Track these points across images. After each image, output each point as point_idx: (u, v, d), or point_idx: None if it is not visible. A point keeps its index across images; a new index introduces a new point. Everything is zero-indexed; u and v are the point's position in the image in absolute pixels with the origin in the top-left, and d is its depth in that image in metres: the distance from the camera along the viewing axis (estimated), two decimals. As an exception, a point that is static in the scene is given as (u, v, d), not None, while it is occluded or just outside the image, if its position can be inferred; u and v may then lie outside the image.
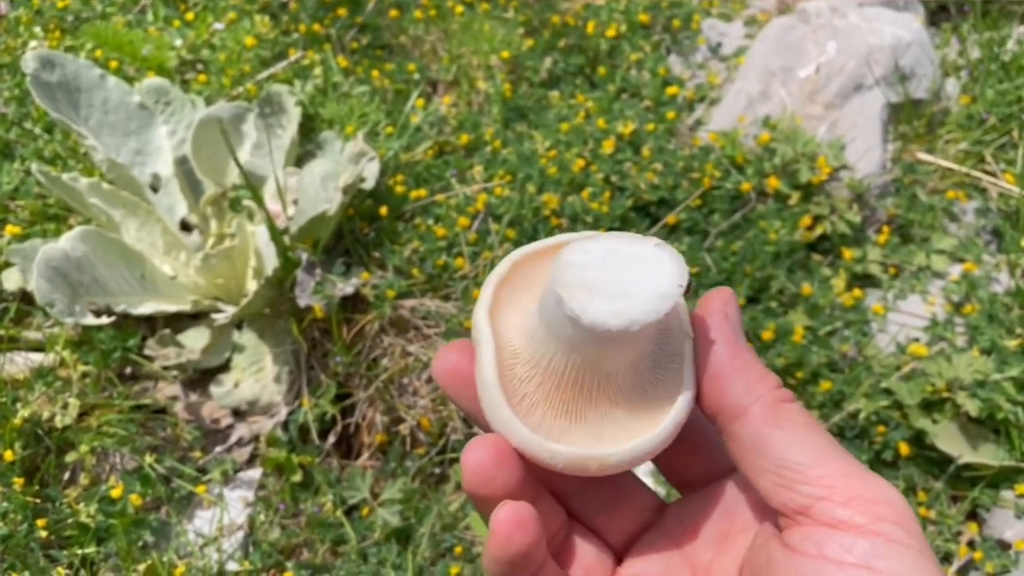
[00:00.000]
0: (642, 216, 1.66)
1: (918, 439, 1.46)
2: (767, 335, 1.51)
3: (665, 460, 0.49)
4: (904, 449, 1.44)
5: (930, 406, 1.48)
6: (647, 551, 0.48)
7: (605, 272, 0.40)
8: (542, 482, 0.47)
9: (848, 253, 1.67)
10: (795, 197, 1.68)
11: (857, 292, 1.61)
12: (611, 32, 1.98)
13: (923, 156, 1.80)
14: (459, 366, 0.46)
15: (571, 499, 0.49)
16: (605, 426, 0.44)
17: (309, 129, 1.76)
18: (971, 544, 1.40)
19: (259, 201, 1.41)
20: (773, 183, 1.68)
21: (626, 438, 0.43)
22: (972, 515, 1.46)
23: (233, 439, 1.49)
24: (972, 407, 1.42)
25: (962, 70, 2.03)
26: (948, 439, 1.44)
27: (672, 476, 0.51)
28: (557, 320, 0.41)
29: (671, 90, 1.90)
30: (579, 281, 0.40)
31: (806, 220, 1.66)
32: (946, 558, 1.40)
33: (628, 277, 0.40)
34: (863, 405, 1.45)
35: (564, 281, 0.40)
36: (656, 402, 0.44)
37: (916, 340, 1.56)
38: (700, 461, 0.49)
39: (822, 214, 1.68)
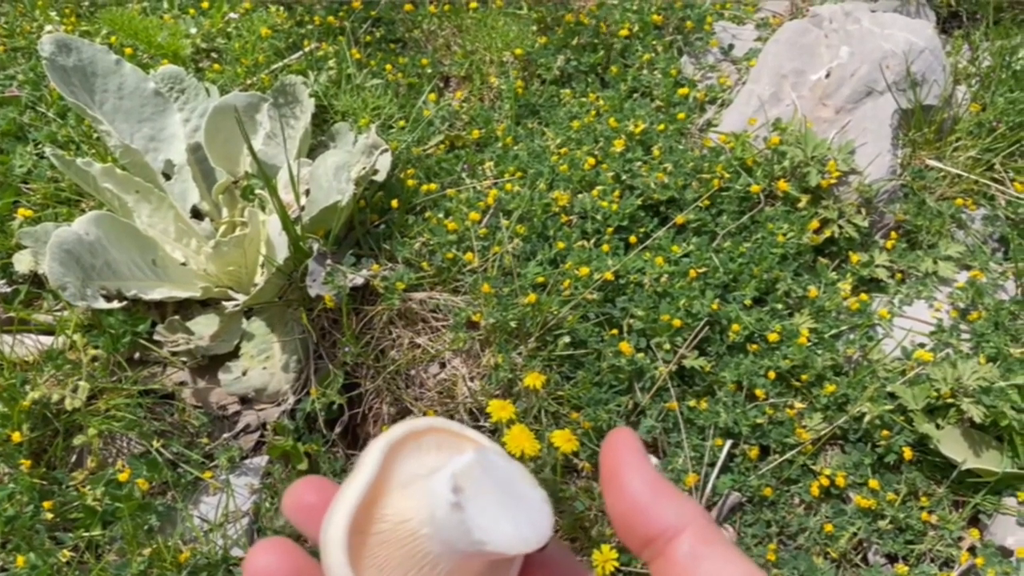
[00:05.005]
0: (651, 215, 1.67)
1: (922, 444, 1.47)
2: (773, 337, 1.52)
3: None
4: (907, 453, 1.44)
5: (934, 411, 1.49)
6: None
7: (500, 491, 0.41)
8: None
9: (855, 257, 1.67)
10: (804, 200, 1.69)
11: (863, 296, 1.62)
12: (624, 32, 1.98)
13: (932, 162, 1.81)
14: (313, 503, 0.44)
15: None
16: None
17: (322, 120, 1.77)
18: (972, 550, 1.40)
19: (272, 190, 1.42)
20: (782, 186, 1.68)
21: None
22: (974, 521, 1.46)
23: (240, 426, 1.50)
24: (976, 413, 1.42)
25: (973, 78, 2.03)
26: (952, 445, 1.45)
27: None
28: (449, 522, 0.40)
29: (682, 91, 1.91)
30: (477, 489, 0.40)
31: (814, 223, 1.67)
32: (947, 563, 1.41)
33: (519, 501, 0.41)
34: (868, 408, 1.46)
35: (464, 489, 0.40)
36: None
37: (922, 346, 1.57)
38: None
39: (830, 218, 1.68)
